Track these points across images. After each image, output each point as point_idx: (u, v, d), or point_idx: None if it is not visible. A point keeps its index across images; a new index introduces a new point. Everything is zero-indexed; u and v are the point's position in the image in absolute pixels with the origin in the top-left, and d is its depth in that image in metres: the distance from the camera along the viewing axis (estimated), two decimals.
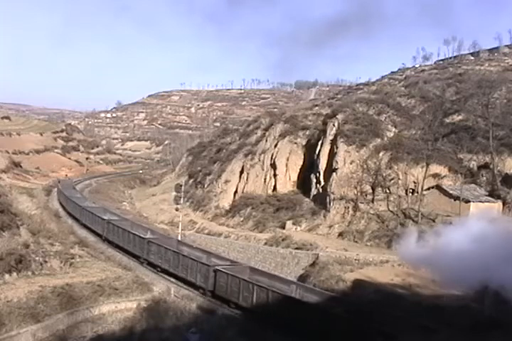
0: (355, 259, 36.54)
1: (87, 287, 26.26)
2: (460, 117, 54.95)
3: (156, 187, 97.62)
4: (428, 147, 47.13)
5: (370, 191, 49.18)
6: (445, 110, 53.65)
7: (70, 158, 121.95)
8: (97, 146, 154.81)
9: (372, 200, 48.55)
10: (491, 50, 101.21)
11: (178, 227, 51.79)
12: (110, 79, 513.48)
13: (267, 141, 68.11)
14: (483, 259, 19.06)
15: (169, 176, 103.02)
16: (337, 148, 53.00)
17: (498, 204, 43.40)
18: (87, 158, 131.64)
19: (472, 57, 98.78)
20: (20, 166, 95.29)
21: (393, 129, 55.45)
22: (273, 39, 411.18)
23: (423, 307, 24.36)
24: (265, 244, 47.39)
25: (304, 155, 62.99)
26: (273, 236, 49.00)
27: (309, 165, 60.34)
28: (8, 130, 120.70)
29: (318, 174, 56.03)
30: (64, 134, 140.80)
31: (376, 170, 49.21)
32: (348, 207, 49.20)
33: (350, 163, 51.48)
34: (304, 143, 64.25)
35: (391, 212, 46.94)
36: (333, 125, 56.10)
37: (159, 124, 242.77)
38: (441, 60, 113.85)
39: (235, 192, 66.82)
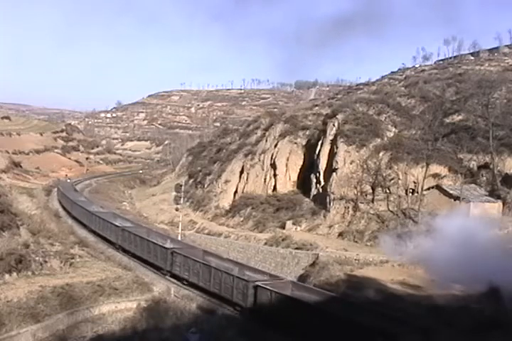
0: (355, 259, 36.56)
1: (87, 287, 26.24)
2: (460, 117, 54.96)
3: (156, 187, 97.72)
4: (428, 147, 47.12)
5: (370, 191, 49.19)
6: (445, 110, 53.63)
7: (70, 158, 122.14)
8: (97, 146, 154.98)
9: (372, 200, 48.56)
10: (491, 50, 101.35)
11: (178, 227, 51.84)
12: (110, 79, 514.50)
13: (267, 141, 68.15)
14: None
15: (169, 176, 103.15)
16: (337, 148, 53.02)
17: (498, 204, 43.44)
18: (87, 158, 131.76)
19: (472, 57, 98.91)
20: (20, 166, 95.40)
21: (393, 129, 55.47)
22: (278, 38, 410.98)
23: (423, 308, 24.33)
24: (265, 244, 47.47)
25: (304, 155, 63.02)
26: (273, 236, 49.06)
27: (309, 165, 60.36)
28: (8, 130, 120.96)
29: (318, 174, 56.04)
30: (64, 134, 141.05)
31: (376, 170, 49.21)
32: (348, 207, 49.24)
33: (350, 163, 51.50)
34: (303, 143, 64.29)
35: (391, 212, 46.95)
36: (333, 125, 56.12)
37: (159, 124, 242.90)
38: (441, 60, 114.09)
39: (235, 192, 66.88)
